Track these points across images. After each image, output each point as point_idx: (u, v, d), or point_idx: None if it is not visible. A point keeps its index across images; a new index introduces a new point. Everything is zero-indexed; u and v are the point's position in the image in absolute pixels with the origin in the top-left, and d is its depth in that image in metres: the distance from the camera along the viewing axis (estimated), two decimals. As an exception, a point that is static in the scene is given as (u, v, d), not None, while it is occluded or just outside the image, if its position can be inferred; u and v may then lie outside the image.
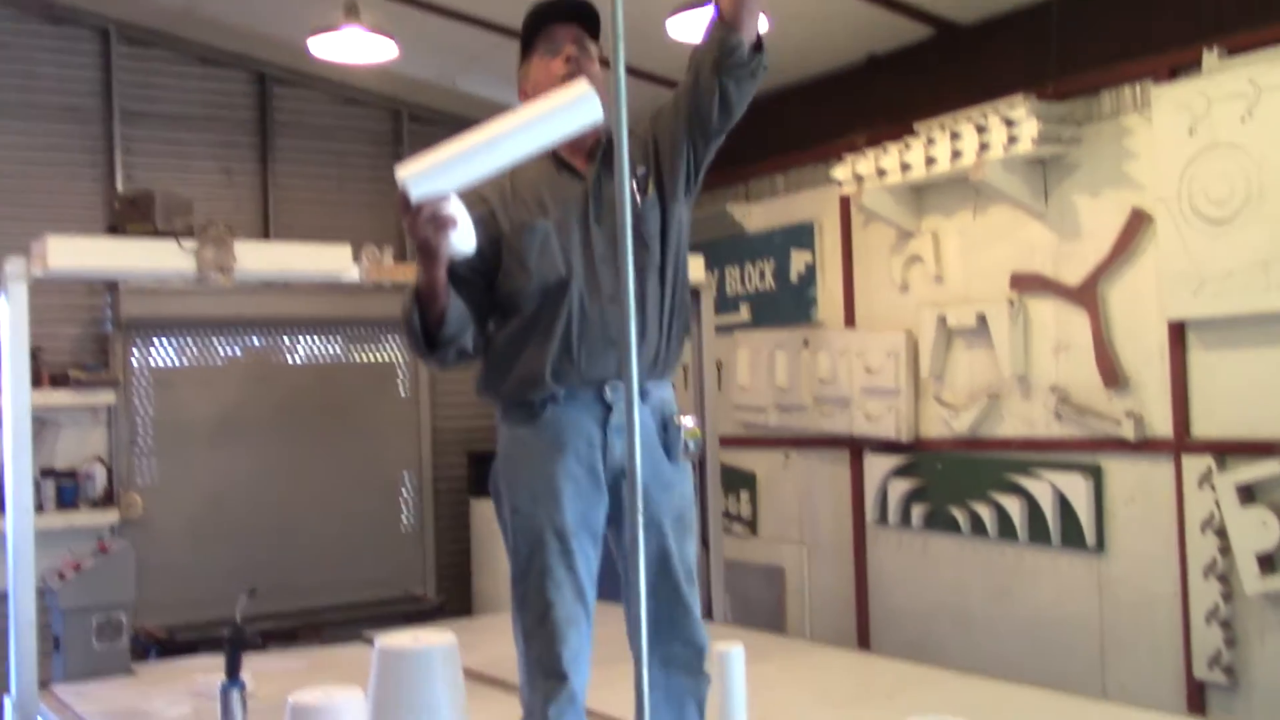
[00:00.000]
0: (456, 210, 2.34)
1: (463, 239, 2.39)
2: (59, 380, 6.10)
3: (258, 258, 4.81)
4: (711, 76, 2.56)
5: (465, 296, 2.62)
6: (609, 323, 2.63)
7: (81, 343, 6.46)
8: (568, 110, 2.28)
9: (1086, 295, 4.90)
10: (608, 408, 2.68)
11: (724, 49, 2.53)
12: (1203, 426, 4.51)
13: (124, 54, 6.63)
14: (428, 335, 2.59)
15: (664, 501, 2.72)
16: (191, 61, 6.83)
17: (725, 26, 2.53)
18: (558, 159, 2.74)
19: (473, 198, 2.67)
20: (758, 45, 2.58)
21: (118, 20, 6.53)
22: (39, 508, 5.31)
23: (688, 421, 2.74)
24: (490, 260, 2.68)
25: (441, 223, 2.32)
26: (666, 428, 2.73)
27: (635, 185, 2.67)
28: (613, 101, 1.93)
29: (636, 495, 1.89)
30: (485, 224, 2.66)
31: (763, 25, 2.67)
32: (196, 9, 6.19)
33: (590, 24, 2.76)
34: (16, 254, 4.47)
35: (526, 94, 2.77)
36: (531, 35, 2.77)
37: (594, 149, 2.74)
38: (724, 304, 6.68)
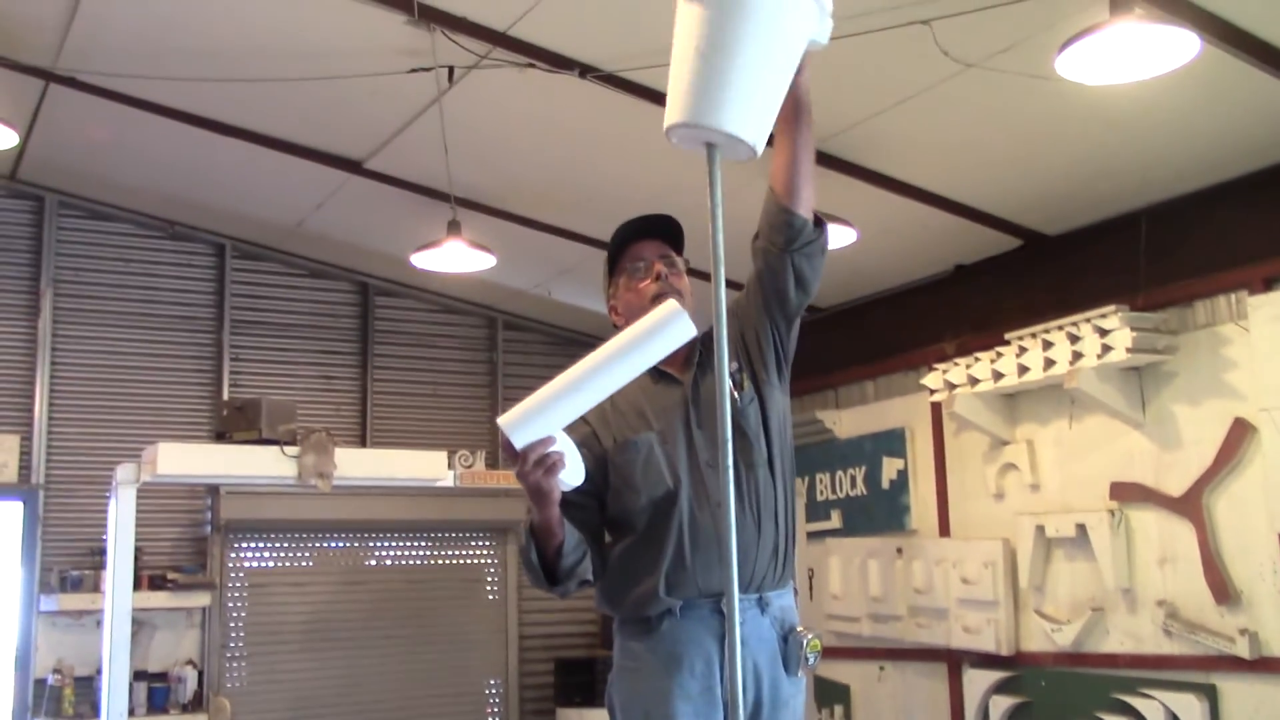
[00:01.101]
0: (564, 447, 2.32)
1: (572, 474, 2.38)
2: (157, 582, 6.19)
3: (357, 464, 4.93)
4: (782, 258, 2.57)
5: (578, 520, 2.59)
6: (722, 530, 2.57)
7: (180, 544, 6.59)
8: (660, 334, 2.26)
9: (1191, 506, 4.78)
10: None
11: (790, 231, 2.53)
12: (1323, 645, 4.32)
13: (238, 267, 6.98)
14: (547, 569, 2.55)
15: None
16: (300, 273, 7.16)
17: (785, 209, 2.53)
18: (655, 369, 2.75)
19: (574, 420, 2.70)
20: (818, 220, 2.58)
21: (233, 236, 6.90)
22: (130, 711, 5.33)
23: (808, 633, 2.64)
24: (598, 481, 2.66)
25: (550, 466, 2.28)
26: (787, 639, 2.62)
27: (731, 383, 2.64)
28: (715, 321, 1.96)
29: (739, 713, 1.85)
30: (588, 445, 2.66)
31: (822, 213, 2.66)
32: (306, 226, 6.52)
33: (674, 238, 2.78)
34: (128, 459, 4.63)
35: (617, 312, 2.79)
36: (617, 253, 2.80)
37: (689, 355, 2.74)
38: (815, 510, 6.62)
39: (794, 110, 2.42)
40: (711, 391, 2.59)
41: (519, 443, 2.25)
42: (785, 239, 2.55)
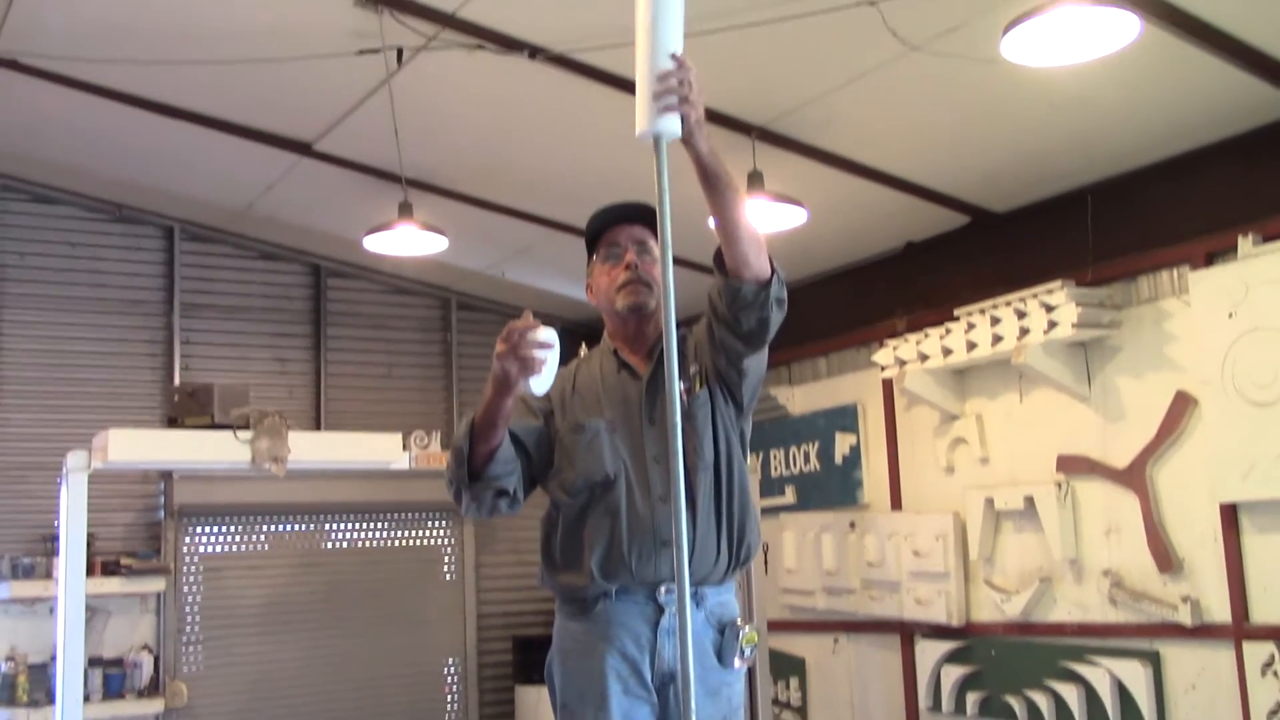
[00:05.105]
0: (551, 360, 2.41)
1: (540, 382, 2.44)
2: (111, 568, 6.15)
3: (311, 447, 4.92)
4: (728, 315, 2.57)
5: (519, 452, 2.67)
6: (660, 523, 2.61)
7: (134, 530, 6.54)
8: None
9: (1135, 478, 4.88)
10: (660, 609, 2.66)
11: (729, 295, 2.53)
12: (1262, 612, 4.43)
13: (187, 250, 6.90)
14: (473, 467, 2.60)
15: (709, 709, 2.65)
16: (251, 256, 7.10)
17: (725, 274, 2.52)
18: (618, 358, 2.79)
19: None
20: (768, 279, 2.53)
21: (182, 219, 6.83)
22: (85, 698, 5.29)
23: (745, 626, 2.70)
24: (542, 452, 2.73)
25: (526, 364, 2.38)
26: (724, 632, 2.68)
27: (683, 385, 2.66)
28: (664, 311, 1.99)
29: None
30: (546, 421, 2.73)
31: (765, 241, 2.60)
32: (256, 209, 6.46)
33: (651, 223, 2.75)
34: (78, 446, 4.59)
35: (590, 290, 2.85)
36: (595, 237, 2.83)
37: (652, 349, 2.76)
38: (769, 486, 6.68)
39: (702, 181, 2.40)
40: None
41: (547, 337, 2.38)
42: (728, 303, 2.54)
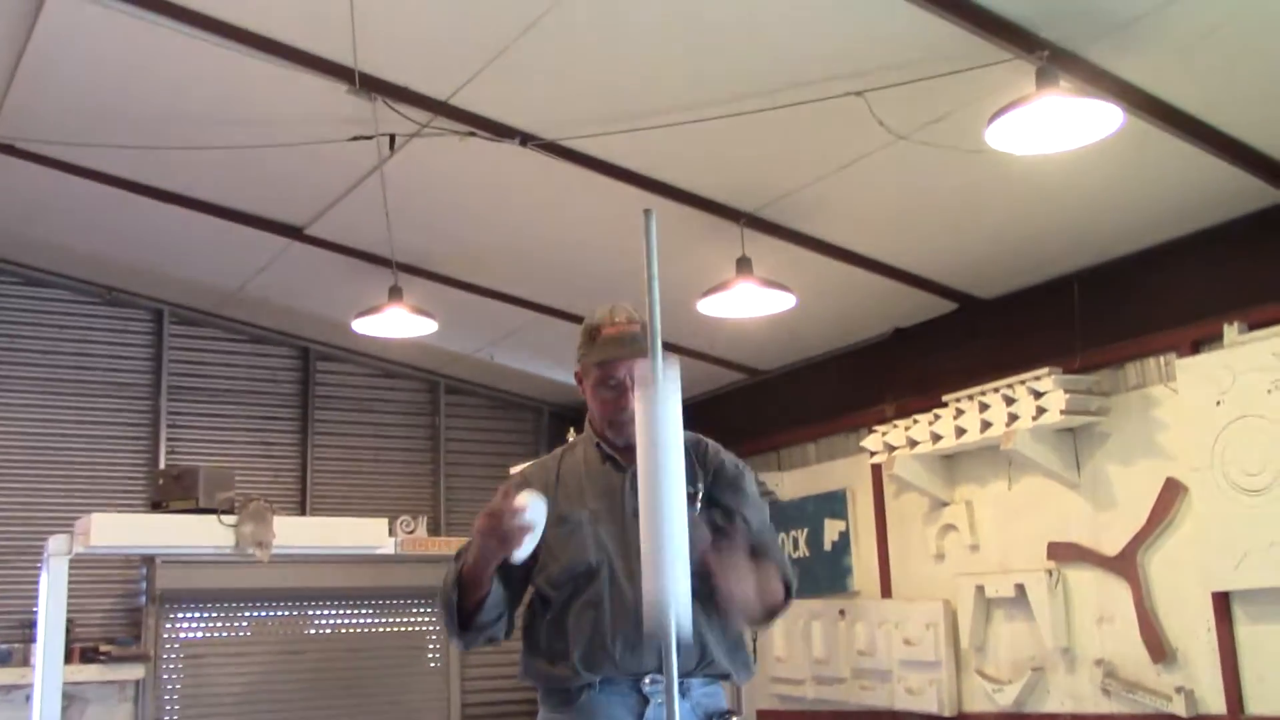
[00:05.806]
0: (534, 530, 2.42)
1: (522, 552, 2.45)
2: (89, 655, 6.05)
3: (296, 532, 4.87)
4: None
5: (504, 580, 2.63)
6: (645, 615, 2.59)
7: (113, 615, 6.45)
8: None
9: (1126, 565, 4.85)
10: (645, 700, 2.62)
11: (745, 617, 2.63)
12: (1257, 702, 4.37)
13: (176, 333, 6.91)
14: (463, 616, 2.58)
15: None
16: (240, 339, 7.10)
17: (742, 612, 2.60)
18: (602, 451, 2.77)
19: (519, 485, 2.71)
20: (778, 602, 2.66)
21: (172, 302, 6.84)
22: (60, 790, 5.17)
23: (734, 716, 2.66)
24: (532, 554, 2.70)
25: (507, 541, 2.39)
26: None
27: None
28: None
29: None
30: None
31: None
32: (246, 291, 6.47)
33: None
34: (60, 530, 4.54)
35: (579, 379, 2.80)
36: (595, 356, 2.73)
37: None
38: (758, 573, 6.61)
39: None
40: None
41: (530, 516, 2.38)
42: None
